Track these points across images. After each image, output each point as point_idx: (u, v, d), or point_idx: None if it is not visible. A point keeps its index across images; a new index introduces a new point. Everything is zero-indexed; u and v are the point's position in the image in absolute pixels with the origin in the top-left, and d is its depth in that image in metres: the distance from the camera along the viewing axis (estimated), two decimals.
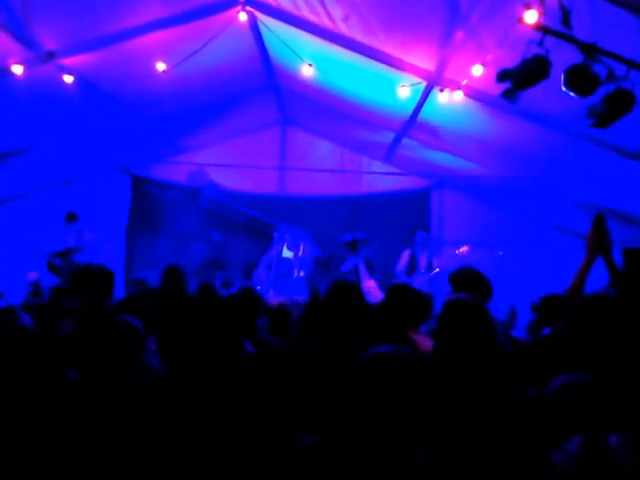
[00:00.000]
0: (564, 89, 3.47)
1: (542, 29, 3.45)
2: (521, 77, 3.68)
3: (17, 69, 5.08)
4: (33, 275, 5.32)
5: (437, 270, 7.77)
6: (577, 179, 6.30)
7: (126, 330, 2.71)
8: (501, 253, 7.73)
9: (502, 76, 3.83)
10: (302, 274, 7.92)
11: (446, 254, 8.55)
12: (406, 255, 8.00)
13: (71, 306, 3.43)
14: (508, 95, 3.89)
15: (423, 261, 7.90)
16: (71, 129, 7.02)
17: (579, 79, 3.42)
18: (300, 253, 8.09)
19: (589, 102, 3.62)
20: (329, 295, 3.16)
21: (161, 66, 5.68)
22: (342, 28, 5.32)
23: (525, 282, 7.48)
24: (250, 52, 6.66)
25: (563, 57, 3.42)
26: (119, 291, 4.40)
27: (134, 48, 5.51)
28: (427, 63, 5.29)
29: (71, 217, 7.75)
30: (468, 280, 3.30)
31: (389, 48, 5.33)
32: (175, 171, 9.06)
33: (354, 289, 3.17)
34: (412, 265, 7.90)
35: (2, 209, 8.43)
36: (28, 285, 5.14)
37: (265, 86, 7.81)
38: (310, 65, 5.93)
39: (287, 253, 8.16)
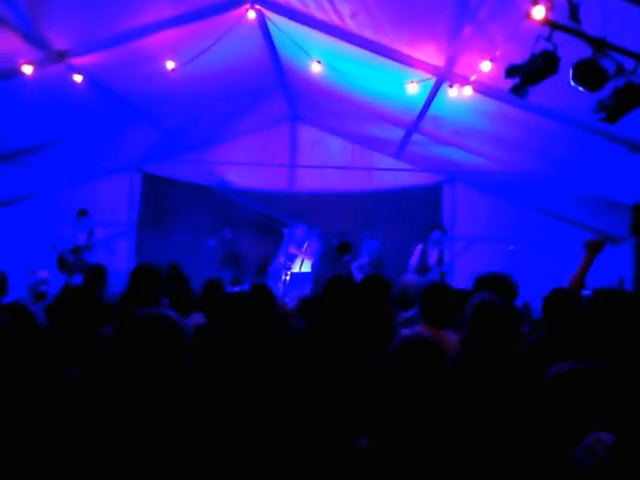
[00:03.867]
0: (573, 84, 3.44)
1: (550, 24, 3.41)
2: (530, 72, 3.65)
3: (27, 69, 5.12)
4: (44, 273, 5.35)
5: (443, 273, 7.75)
6: (588, 173, 6.25)
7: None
8: (512, 247, 7.68)
9: (511, 72, 3.80)
10: (308, 270, 7.94)
11: (457, 249, 8.54)
12: (419, 250, 7.97)
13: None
14: (517, 91, 3.87)
15: (434, 257, 7.87)
16: (81, 128, 7.08)
17: (588, 74, 3.38)
18: (305, 250, 8.11)
19: (599, 97, 3.60)
20: (324, 290, 3.19)
21: (170, 65, 5.70)
22: (350, 25, 5.30)
23: (538, 277, 7.44)
24: (259, 50, 6.65)
25: (572, 52, 3.39)
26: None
27: (143, 47, 5.53)
28: (436, 59, 5.27)
29: (82, 212, 7.80)
30: (494, 283, 3.33)
31: (398, 44, 5.31)
32: (186, 169, 9.11)
33: (349, 283, 3.19)
34: (423, 261, 7.86)
35: (15, 208, 8.54)
36: (39, 282, 5.16)
37: (274, 83, 7.81)
38: (319, 62, 5.93)
39: (293, 250, 8.20)
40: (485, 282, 3.42)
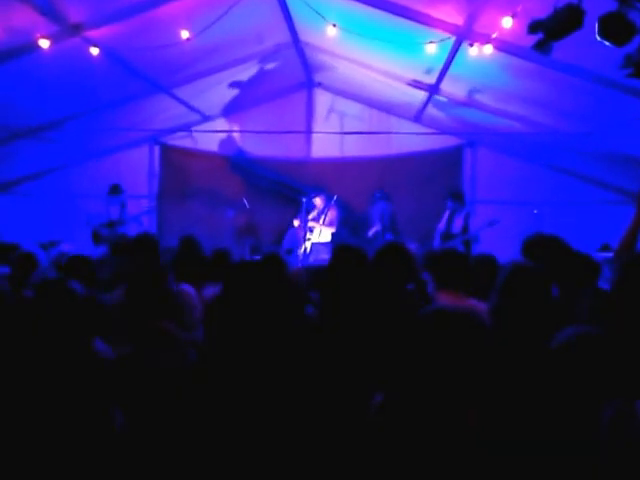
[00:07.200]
0: (599, 38, 3.33)
1: None
2: (553, 27, 3.55)
3: (44, 43, 5.12)
4: (66, 246, 5.43)
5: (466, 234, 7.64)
6: (614, 131, 6.10)
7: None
8: (536, 211, 7.55)
9: (534, 27, 3.71)
10: (328, 239, 7.90)
11: (479, 214, 8.43)
12: (445, 216, 7.90)
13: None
14: (540, 47, 3.77)
15: (458, 225, 7.78)
16: (100, 101, 7.09)
17: (614, 27, 3.28)
18: (326, 218, 8.06)
19: (626, 51, 3.48)
20: (333, 258, 3.13)
21: (185, 34, 5.65)
22: None
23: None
24: (274, 15, 6.55)
25: (597, 5, 3.28)
26: None
27: (157, 17, 5.48)
28: (455, 17, 5.14)
29: (115, 189, 7.87)
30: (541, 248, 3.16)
31: (415, 4, 5.19)
32: (203, 139, 9.11)
33: (358, 252, 3.13)
34: (447, 228, 7.80)
35: (37, 183, 8.65)
36: (61, 255, 5.21)
37: (290, 49, 7.69)
38: (334, 26, 5.82)
39: (313, 217, 8.17)
40: (533, 246, 3.17)
